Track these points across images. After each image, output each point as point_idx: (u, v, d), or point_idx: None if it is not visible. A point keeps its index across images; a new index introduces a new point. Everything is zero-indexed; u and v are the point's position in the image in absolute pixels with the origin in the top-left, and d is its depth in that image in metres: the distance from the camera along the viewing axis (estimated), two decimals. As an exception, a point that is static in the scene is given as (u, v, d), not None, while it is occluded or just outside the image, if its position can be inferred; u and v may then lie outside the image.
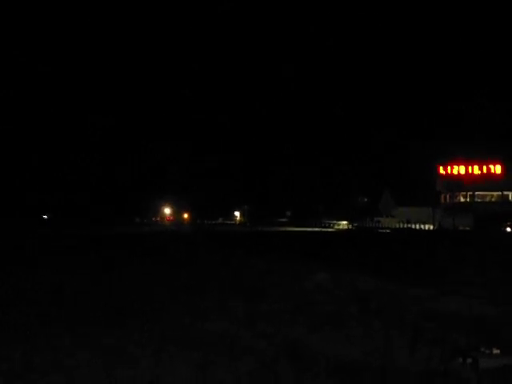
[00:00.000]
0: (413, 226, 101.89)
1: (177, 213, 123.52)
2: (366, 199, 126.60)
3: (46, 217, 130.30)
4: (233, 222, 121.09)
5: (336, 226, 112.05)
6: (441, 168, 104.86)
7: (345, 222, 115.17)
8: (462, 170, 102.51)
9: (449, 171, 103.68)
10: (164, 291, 21.13)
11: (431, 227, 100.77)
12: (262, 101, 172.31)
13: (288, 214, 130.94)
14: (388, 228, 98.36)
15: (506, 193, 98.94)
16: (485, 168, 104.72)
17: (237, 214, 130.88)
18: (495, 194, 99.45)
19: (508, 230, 75.78)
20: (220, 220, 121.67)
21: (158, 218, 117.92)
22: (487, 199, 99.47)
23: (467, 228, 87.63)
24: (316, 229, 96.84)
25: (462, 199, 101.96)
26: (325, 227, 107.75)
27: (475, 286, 24.36)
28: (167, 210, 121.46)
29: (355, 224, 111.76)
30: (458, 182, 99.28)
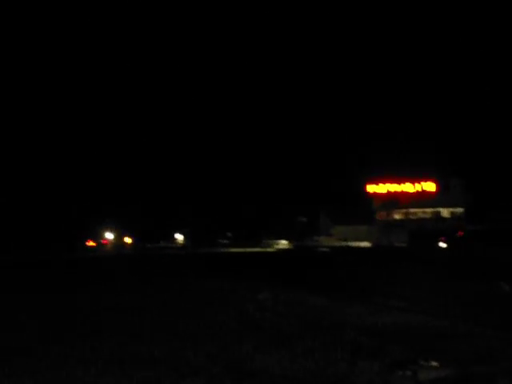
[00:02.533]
0: (350, 244, 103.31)
1: (118, 236, 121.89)
2: (305, 219, 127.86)
3: None
4: (174, 245, 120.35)
5: (276, 246, 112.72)
6: (372, 186, 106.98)
7: (285, 242, 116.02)
8: (395, 187, 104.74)
9: (381, 190, 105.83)
10: (107, 313, 21.26)
11: (368, 245, 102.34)
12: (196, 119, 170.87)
13: (229, 235, 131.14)
14: (326, 246, 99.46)
15: (438, 209, 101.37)
16: (418, 186, 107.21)
17: (178, 236, 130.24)
18: (429, 210, 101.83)
19: (442, 245, 77.59)
20: (162, 243, 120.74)
21: (91, 243, 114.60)
22: (421, 216, 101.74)
23: (403, 244, 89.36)
24: (257, 249, 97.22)
25: (397, 217, 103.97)
26: (265, 247, 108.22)
27: (410, 301, 25.04)
28: (108, 234, 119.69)
29: (295, 243, 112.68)
30: (392, 200, 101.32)
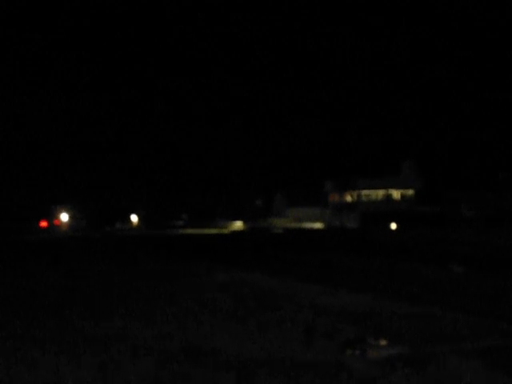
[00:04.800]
0: (304, 226, 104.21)
1: (73, 218, 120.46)
2: (260, 201, 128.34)
3: None
4: (129, 227, 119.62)
5: (230, 227, 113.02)
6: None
7: (239, 223, 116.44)
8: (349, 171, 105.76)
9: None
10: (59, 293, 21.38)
11: (321, 226, 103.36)
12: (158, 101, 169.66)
13: (184, 216, 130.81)
14: (280, 228, 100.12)
15: (390, 191, 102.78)
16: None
17: (133, 218, 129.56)
18: (380, 192, 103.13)
19: (392, 227, 78.82)
20: (117, 225, 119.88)
21: (43, 223, 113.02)
22: (373, 198, 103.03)
23: (354, 226, 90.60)
24: (211, 231, 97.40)
25: (349, 199, 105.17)
26: (220, 228, 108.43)
27: (361, 281, 25.44)
28: (64, 215, 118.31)
29: (250, 225, 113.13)
30: (345, 182, 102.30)
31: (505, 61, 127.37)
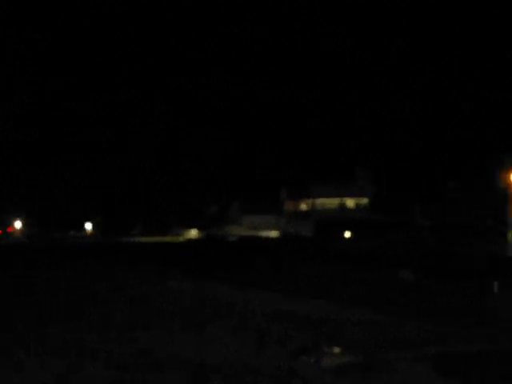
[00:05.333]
0: (259, 234, 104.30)
1: (27, 225, 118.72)
2: (215, 208, 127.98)
3: None
4: (83, 235, 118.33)
5: (186, 235, 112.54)
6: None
7: (194, 231, 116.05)
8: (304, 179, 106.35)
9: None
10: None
11: (275, 234, 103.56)
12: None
13: (139, 224, 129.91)
14: (235, 236, 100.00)
15: (344, 199, 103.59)
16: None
17: (88, 226, 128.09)
18: (335, 201, 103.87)
19: (346, 235, 79.42)
20: (71, 233, 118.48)
21: None
22: (327, 206, 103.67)
23: (309, 234, 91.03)
24: (167, 239, 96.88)
25: (304, 207, 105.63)
26: (175, 236, 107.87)
27: (315, 288, 25.55)
28: (17, 223, 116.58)
29: (205, 232, 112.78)
30: (300, 190, 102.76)
31: (463, 67, 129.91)
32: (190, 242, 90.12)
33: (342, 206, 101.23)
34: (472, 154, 73.13)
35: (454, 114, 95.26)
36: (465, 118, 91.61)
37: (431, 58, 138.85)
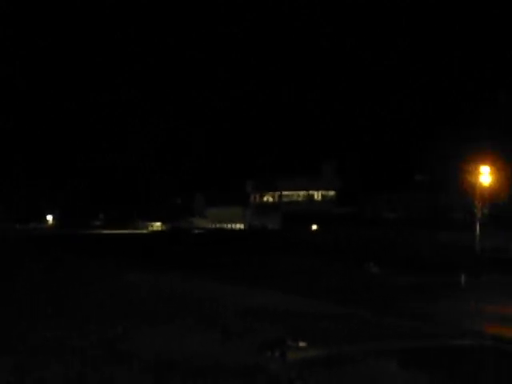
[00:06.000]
0: (225, 226, 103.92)
1: None
2: (179, 200, 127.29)
3: None
4: (44, 226, 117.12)
5: (150, 228, 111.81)
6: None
7: (158, 223, 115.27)
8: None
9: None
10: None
11: (242, 227, 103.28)
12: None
13: (101, 216, 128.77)
14: (200, 228, 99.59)
15: (311, 192, 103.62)
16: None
17: (49, 217, 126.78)
18: (301, 193, 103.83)
19: (313, 228, 79.35)
20: (32, 224, 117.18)
21: None
22: (294, 199, 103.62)
23: (276, 227, 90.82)
24: (130, 231, 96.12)
25: (271, 199, 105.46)
26: (139, 229, 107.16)
27: (282, 282, 25.40)
28: None
29: (170, 225, 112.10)
30: (266, 183, 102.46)
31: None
32: (154, 234, 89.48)
33: (309, 199, 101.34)
34: (436, 147, 73.46)
35: (418, 107, 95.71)
36: (430, 111, 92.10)
37: (398, 53, 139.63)
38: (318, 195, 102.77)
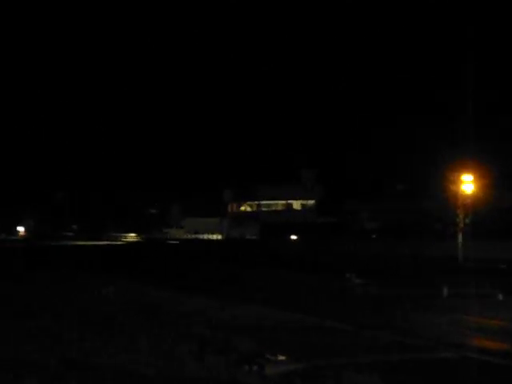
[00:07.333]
0: (201, 237, 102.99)
1: None
2: (154, 211, 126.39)
3: None
4: (15, 238, 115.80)
5: (124, 239, 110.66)
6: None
7: (133, 234, 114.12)
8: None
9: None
10: None
11: (219, 237, 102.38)
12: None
13: (74, 227, 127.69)
14: (176, 239, 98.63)
15: (290, 201, 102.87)
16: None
17: (20, 229, 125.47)
18: (280, 202, 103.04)
19: (293, 238, 78.53)
20: (2, 235, 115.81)
21: None
22: (273, 208, 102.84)
23: (254, 237, 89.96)
24: (103, 242, 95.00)
25: (249, 209, 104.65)
26: (112, 240, 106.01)
27: (258, 293, 24.89)
28: None
29: (143, 236, 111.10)
30: (244, 192, 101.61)
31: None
32: (128, 245, 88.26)
33: (289, 208, 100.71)
34: (417, 156, 73.47)
35: (400, 115, 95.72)
36: (411, 119, 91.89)
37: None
38: (297, 204, 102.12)
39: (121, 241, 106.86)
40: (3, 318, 17.58)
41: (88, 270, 37.66)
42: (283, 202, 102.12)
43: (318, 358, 12.94)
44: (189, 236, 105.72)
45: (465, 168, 47.68)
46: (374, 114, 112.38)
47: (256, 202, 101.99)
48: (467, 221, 46.16)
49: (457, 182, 47.08)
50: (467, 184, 46.76)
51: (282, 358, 13.08)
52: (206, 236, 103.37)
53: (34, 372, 11.58)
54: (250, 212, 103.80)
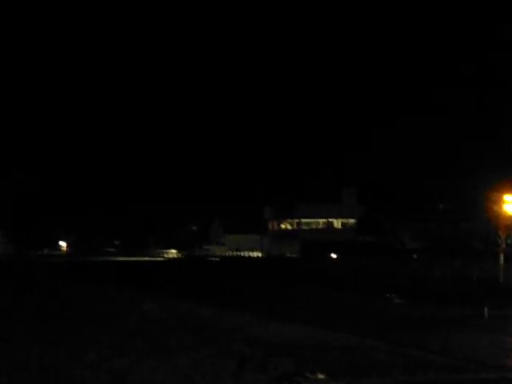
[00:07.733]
0: (242, 254, 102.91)
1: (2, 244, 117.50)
2: (194, 227, 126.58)
3: None
4: (58, 253, 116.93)
5: (165, 255, 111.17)
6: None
7: (174, 251, 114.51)
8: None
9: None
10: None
11: (260, 255, 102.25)
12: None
13: (116, 243, 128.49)
14: (217, 256, 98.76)
15: (331, 220, 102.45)
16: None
17: (62, 244, 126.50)
18: (321, 221, 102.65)
19: (333, 257, 78.25)
20: (46, 251, 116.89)
21: None
22: (313, 226, 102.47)
23: (294, 255, 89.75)
24: (145, 258, 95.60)
25: (290, 227, 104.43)
26: (153, 256, 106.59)
27: (301, 312, 24.79)
28: None
29: (184, 252, 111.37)
30: (284, 210, 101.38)
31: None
32: (171, 262, 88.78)
33: (329, 226, 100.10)
34: (461, 177, 72.82)
35: (442, 135, 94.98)
36: (455, 139, 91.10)
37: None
38: (337, 223, 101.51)
39: (162, 257, 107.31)
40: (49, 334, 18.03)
41: (132, 285, 38.02)
42: (324, 220, 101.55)
43: (358, 378, 12.82)
44: (229, 253, 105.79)
45: (508, 188, 47.13)
46: (402, 134, 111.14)
47: (296, 220, 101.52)
48: (509, 241, 45.67)
49: (499, 202, 46.54)
50: (510, 204, 46.19)
51: (321, 376, 12.90)
52: (246, 253, 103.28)
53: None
54: (290, 230, 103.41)
